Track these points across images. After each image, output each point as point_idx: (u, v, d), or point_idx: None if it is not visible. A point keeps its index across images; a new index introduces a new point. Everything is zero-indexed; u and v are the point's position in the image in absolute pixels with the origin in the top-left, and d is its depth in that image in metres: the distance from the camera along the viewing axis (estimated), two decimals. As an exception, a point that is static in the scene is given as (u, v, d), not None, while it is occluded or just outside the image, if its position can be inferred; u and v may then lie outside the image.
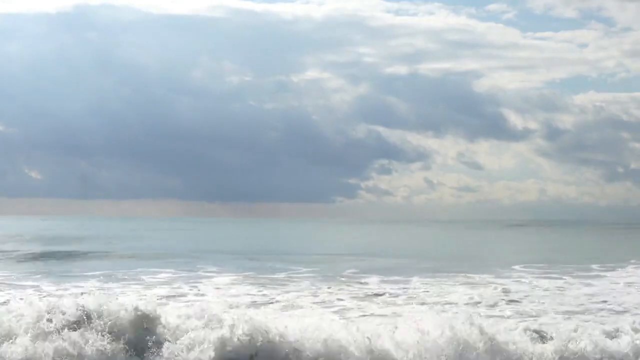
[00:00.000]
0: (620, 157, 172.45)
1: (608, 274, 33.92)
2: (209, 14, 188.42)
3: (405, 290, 26.92)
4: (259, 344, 14.44)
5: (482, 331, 15.06)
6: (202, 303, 18.03)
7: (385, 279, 30.95)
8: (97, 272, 33.37)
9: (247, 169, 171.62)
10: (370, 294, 25.59)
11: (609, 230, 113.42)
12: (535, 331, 15.84)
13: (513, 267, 36.46)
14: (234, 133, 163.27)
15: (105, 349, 14.35)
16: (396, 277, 31.19)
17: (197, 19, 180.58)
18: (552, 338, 15.44)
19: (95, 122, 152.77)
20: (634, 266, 37.94)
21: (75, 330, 14.61)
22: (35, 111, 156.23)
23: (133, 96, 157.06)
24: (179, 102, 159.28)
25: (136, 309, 15.11)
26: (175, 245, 61.32)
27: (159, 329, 14.93)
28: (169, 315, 15.36)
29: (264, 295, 24.99)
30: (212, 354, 14.28)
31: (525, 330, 15.77)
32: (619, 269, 36.18)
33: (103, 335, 14.54)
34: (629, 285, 28.95)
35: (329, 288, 27.09)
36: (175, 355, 14.34)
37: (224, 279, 30.67)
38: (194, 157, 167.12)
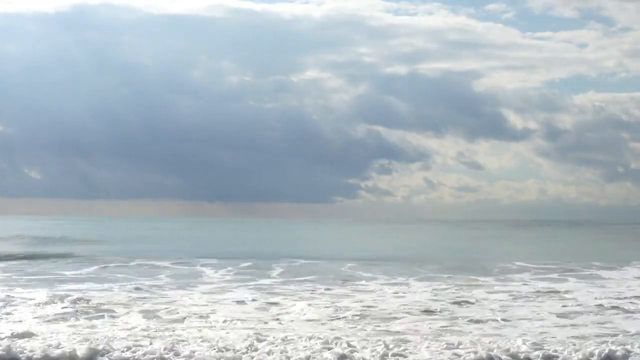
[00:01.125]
0: (620, 157, 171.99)
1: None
2: (209, 14, 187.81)
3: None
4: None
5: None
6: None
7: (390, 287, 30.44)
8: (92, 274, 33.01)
9: (247, 169, 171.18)
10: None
11: (609, 230, 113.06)
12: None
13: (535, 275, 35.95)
14: (234, 133, 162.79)
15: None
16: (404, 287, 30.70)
17: (196, 18, 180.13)
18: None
19: (94, 122, 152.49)
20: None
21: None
22: (34, 111, 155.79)
23: (132, 96, 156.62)
24: (179, 102, 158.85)
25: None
26: (176, 247, 60.81)
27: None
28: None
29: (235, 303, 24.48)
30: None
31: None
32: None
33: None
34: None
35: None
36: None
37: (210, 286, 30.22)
38: (194, 157, 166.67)
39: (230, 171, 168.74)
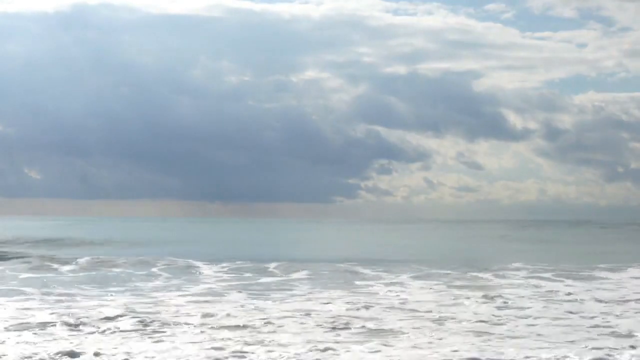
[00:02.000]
0: (620, 157, 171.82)
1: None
2: (208, 14, 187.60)
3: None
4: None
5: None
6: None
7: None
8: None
9: (247, 169, 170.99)
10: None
11: (610, 231, 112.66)
12: None
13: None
14: (233, 133, 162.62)
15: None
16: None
17: (195, 18, 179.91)
18: None
19: (94, 122, 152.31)
20: None
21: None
22: (34, 111, 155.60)
23: (132, 96, 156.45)
24: (178, 102, 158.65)
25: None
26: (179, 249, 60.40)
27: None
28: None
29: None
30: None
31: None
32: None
33: None
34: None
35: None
36: None
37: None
38: (194, 157, 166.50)
39: (230, 171, 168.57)
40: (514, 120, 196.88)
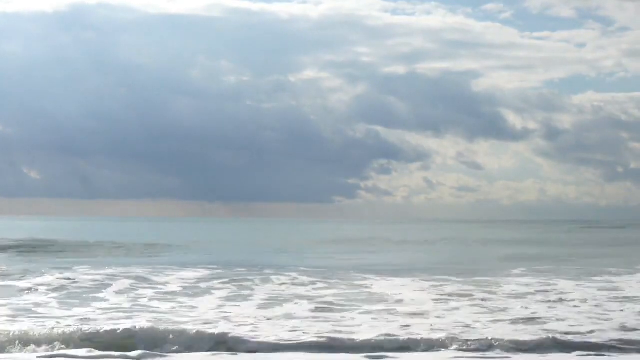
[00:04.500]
0: (620, 157, 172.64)
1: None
2: (206, 14, 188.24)
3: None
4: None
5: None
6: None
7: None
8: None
9: (246, 169, 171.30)
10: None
11: (611, 231, 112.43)
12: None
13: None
14: (232, 133, 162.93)
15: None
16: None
17: (194, 18, 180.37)
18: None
19: (93, 122, 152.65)
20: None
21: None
22: (33, 111, 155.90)
23: (131, 96, 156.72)
24: (177, 102, 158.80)
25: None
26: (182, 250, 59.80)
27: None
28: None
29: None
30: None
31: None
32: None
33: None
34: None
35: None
36: None
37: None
38: (193, 157, 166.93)
39: (229, 171, 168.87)
40: (514, 120, 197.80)
